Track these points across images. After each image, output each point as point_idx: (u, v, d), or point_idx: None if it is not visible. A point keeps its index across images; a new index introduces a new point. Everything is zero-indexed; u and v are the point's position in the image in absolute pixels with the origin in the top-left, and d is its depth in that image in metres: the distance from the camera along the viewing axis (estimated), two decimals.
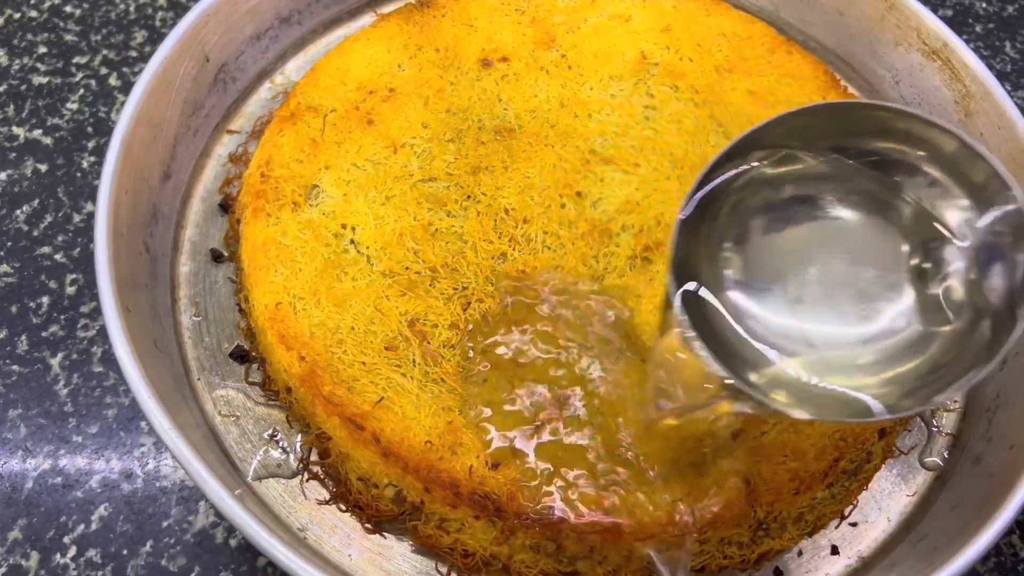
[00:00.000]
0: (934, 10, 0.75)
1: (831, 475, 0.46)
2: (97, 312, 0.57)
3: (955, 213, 0.39)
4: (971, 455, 0.50)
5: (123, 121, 0.51)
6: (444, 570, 0.46)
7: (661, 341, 0.42)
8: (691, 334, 0.38)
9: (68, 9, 0.71)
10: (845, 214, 0.41)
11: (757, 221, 0.42)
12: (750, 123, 0.58)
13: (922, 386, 0.37)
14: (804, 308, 0.40)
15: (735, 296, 0.41)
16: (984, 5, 0.78)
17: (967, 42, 0.74)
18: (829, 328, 0.40)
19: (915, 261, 0.39)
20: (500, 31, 0.63)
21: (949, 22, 0.76)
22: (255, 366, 0.52)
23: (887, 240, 0.40)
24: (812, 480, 0.46)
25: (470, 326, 0.49)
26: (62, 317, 0.57)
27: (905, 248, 0.40)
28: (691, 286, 0.40)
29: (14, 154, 0.63)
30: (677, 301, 0.39)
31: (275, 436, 0.49)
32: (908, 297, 0.39)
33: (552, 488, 0.44)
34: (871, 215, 0.41)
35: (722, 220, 0.42)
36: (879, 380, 0.38)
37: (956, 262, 0.38)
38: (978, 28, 0.76)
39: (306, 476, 0.48)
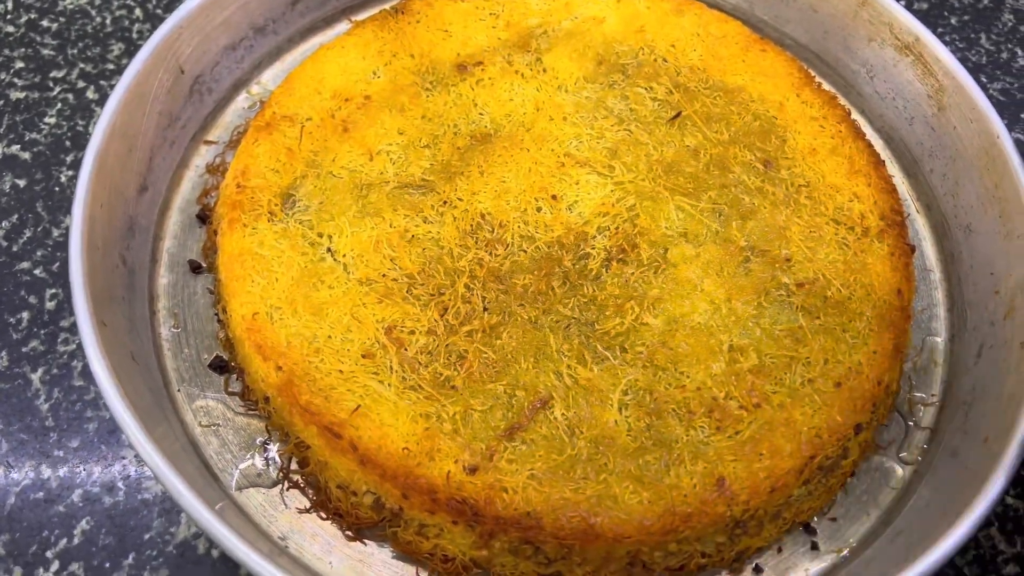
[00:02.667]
0: (909, 3, 0.76)
1: (806, 472, 0.47)
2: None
3: None
4: (948, 448, 0.50)
5: (97, 135, 0.52)
6: (425, 575, 0.46)
7: None
8: None
9: (45, 23, 0.71)
10: None
11: None
12: (725, 123, 0.59)
13: None
14: None
15: None
16: None
17: (942, 35, 0.75)
18: None
19: None
20: (475, 36, 0.63)
21: (925, 15, 0.77)
22: (235, 376, 0.52)
23: None
24: (787, 478, 0.46)
25: (447, 331, 0.50)
26: (42, 332, 0.57)
27: None
28: None
29: None
30: None
31: (255, 446, 0.50)
32: None
33: (529, 491, 0.45)
34: None
35: None
36: None
37: None
38: (953, 20, 0.77)
39: (286, 485, 0.49)
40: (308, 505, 0.48)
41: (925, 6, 0.77)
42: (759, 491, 0.46)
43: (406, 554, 0.47)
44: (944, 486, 0.48)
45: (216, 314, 0.54)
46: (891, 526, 0.49)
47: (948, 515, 0.44)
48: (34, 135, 0.65)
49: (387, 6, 0.65)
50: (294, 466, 0.49)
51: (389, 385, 0.48)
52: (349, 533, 0.47)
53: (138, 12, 0.72)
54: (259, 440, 0.50)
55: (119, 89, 0.54)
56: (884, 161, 0.59)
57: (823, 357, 0.50)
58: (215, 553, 0.51)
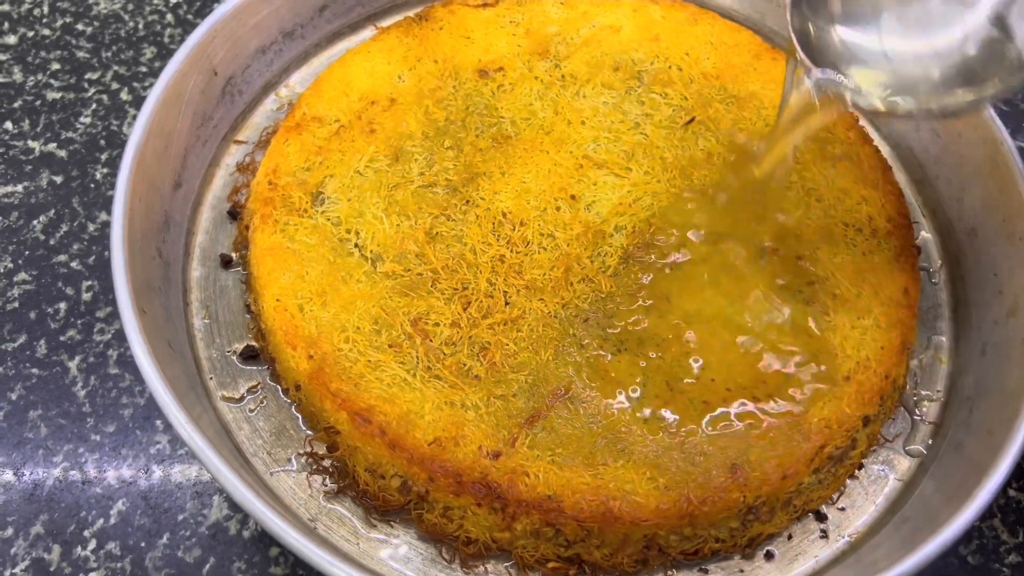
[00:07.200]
0: None
1: (816, 461, 0.48)
2: (112, 317, 0.59)
3: None
4: (953, 442, 0.52)
5: (136, 132, 0.54)
6: (448, 556, 0.48)
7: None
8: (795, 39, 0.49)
9: (80, 27, 0.73)
10: None
11: None
12: (737, 128, 0.61)
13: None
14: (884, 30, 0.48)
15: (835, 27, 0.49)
16: None
17: None
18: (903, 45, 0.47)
19: None
20: (496, 43, 0.65)
21: None
22: (264, 365, 0.54)
23: None
24: (798, 466, 0.48)
25: (470, 324, 0.52)
26: (79, 322, 0.59)
27: None
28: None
29: (30, 167, 0.66)
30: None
31: (284, 432, 0.52)
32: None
33: (550, 475, 0.47)
34: None
35: None
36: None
37: None
38: None
39: (315, 469, 0.51)
40: (336, 489, 0.50)
41: None
42: (771, 479, 0.47)
43: (431, 536, 0.49)
44: (949, 477, 0.50)
45: (247, 306, 0.56)
46: (897, 515, 0.50)
47: (952, 504, 0.46)
48: (70, 134, 0.67)
49: (411, 13, 0.67)
50: (322, 451, 0.51)
51: (415, 374, 0.50)
52: (376, 515, 0.49)
53: (169, 17, 0.75)
54: (288, 426, 0.52)
55: (157, 89, 0.56)
56: (891, 167, 0.61)
57: (833, 352, 0.52)
58: (246, 534, 0.53)
